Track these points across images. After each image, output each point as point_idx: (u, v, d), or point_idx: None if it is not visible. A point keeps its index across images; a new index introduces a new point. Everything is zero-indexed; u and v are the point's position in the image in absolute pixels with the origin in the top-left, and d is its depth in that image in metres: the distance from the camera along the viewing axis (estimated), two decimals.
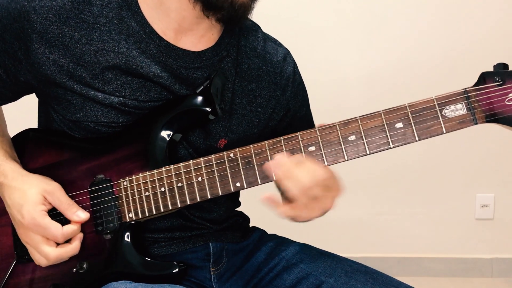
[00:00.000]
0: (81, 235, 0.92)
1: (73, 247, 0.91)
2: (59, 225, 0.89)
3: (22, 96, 1.02)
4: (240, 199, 1.15)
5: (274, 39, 1.08)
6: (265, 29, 1.08)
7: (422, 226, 2.38)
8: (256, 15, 1.00)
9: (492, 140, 2.25)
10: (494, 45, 2.19)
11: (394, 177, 2.31)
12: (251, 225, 1.16)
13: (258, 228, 1.15)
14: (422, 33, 2.22)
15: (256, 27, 1.06)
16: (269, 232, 1.14)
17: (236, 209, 1.14)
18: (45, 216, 0.90)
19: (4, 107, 1.07)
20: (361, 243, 2.40)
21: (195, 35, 0.95)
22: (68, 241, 0.91)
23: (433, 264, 2.41)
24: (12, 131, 1.05)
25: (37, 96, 1.02)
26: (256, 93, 1.01)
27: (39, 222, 0.89)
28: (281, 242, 1.09)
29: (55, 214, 0.91)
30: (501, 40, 2.19)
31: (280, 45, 1.08)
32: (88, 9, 0.91)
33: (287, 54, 1.07)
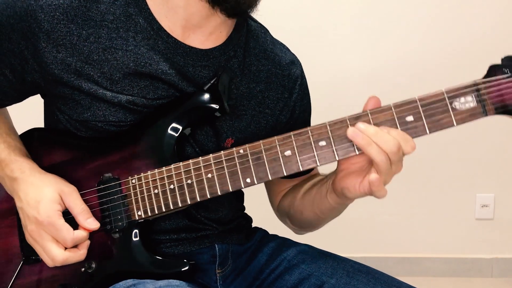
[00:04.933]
0: (88, 242, 0.92)
1: (81, 254, 0.91)
2: (71, 229, 0.89)
3: (28, 97, 1.01)
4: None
5: (282, 43, 1.09)
6: (267, 26, 1.08)
7: (422, 226, 2.39)
8: (259, 15, 1.01)
9: (492, 140, 2.26)
10: (497, 43, 2.19)
11: (394, 177, 2.31)
12: (253, 225, 1.16)
13: (260, 229, 1.15)
14: (425, 31, 2.23)
15: (264, 30, 1.06)
16: (270, 232, 1.15)
17: (241, 210, 1.14)
18: (60, 217, 0.89)
19: (9, 108, 1.06)
20: (362, 243, 2.41)
21: (203, 32, 0.95)
22: (75, 246, 0.91)
23: (433, 264, 2.42)
24: (19, 132, 1.05)
25: (43, 97, 1.02)
26: (264, 94, 1.02)
27: (54, 221, 0.88)
28: (283, 242, 1.09)
29: (66, 219, 0.91)
30: (503, 39, 2.19)
31: (288, 49, 1.09)
32: (96, 6, 0.91)
33: (295, 58, 1.08)
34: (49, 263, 0.90)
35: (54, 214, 0.88)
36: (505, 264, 2.41)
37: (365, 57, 2.26)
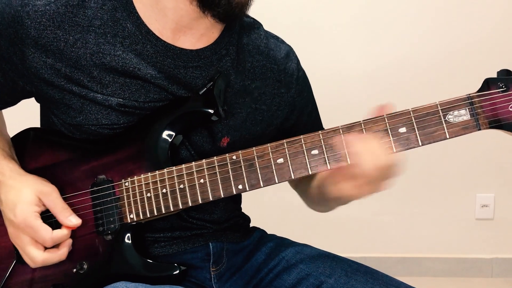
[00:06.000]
0: (70, 241, 0.91)
1: (61, 253, 0.90)
2: (49, 228, 0.88)
3: (21, 100, 1.01)
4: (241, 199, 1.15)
5: (276, 36, 1.08)
6: (267, 27, 1.07)
7: (422, 226, 2.38)
8: (258, 13, 1.00)
9: (492, 140, 2.25)
10: (496, 44, 2.19)
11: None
12: (251, 225, 1.16)
13: (258, 228, 1.15)
14: (425, 32, 2.22)
15: (258, 25, 1.05)
16: (269, 232, 1.14)
17: (237, 210, 1.13)
18: (37, 217, 0.89)
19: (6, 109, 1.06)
20: (361, 243, 2.41)
21: (194, 34, 0.94)
22: (57, 246, 0.90)
23: (433, 264, 2.41)
24: (15, 132, 1.04)
25: (37, 100, 1.01)
26: (261, 90, 1.01)
27: (30, 222, 0.88)
28: (281, 242, 1.09)
29: (47, 217, 0.91)
30: (503, 39, 2.19)
31: (283, 42, 1.07)
32: (83, 12, 0.91)
33: (290, 51, 1.06)
34: (31, 264, 0.90)
35: (30, 216, 0.88)
36: (505, 264, 2.40)
37: (365, 56, 2.25)
